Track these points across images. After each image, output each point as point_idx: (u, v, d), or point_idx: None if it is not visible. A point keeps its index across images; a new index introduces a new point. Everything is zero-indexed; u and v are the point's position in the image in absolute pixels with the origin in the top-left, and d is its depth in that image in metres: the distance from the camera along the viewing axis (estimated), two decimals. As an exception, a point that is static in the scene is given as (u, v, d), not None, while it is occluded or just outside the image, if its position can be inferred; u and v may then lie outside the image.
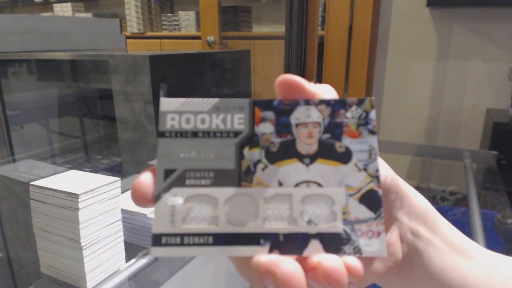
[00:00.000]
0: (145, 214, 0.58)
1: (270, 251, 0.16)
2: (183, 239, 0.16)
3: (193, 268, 0.65)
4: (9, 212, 0.72)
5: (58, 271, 0.52)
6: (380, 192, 0.17)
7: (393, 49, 2.06)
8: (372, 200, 0.17)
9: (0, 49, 0.97)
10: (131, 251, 0.58)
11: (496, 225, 0.83)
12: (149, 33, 2.67)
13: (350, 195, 0.17)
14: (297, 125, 0.18)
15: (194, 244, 0.16)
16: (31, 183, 0.51)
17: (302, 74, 1.40)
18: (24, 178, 0.80)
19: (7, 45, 0.99)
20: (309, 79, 0.19)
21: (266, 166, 0.17)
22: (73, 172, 0.55)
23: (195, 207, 0.17)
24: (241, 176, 0.17)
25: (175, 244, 0.16)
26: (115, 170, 1.04)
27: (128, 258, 0.57)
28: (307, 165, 0.17)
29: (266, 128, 0.17)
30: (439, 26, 1.93)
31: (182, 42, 2.50)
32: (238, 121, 0.17)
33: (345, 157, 0.17)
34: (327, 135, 0.18)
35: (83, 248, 0.49)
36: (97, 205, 0.50)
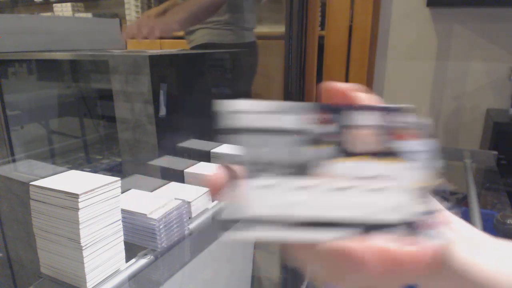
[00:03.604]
0: (145, 214, 0.58)
1: (343, 237, 0.18)
2: (262, 224, 0.18)
3: (193, 268, 0.65)
4: (9, 212, 0.72)
5: (58, 271, 0.52)
6: (437, 187, 0.19)
7: (393, 49, 2.06)
8: (431, 194, 0.19)
9: (0, 49, 0.97)
10: (131, 251, 0.58)
11: (496, 225, 0.83)
12: (149, 33, 2.66)
13: (412, 189, 0.19)
14: (358, 126, 0.19)
15: (274, 229, 0.18)
16: (31, 183, 0.51)
17: (302, 74, 1.40)
18: (24, 178, 0.79)
19: (7, 45, 0.99)
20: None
21: (333, 161, 0.19)
22: (73, 172, 0.55)
23: (273, 195, 0.18)
24: (312, 169, 0.19)
25: (257, 229, 0.18)
26: (115, 170, 1.04)
27: (128, 258, 0.56)
28: (369, 161, 0.19)
29: (331, 128, 0.19)
30: (439, 26, 1.93)
31: (182, 42, 2.50)
32: (306, 121, 0.19)
33: (403, 155, 0.19)
34: (385, 137, 0.19)
35: (83, 248, 0.49)
36: (97, 205, 0.50)
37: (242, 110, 0.19)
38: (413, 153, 0.19)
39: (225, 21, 1.50)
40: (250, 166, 0.19)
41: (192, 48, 1.53)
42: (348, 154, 0.19)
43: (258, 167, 0.19)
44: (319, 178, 0.19)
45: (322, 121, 0.19)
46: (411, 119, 0.20)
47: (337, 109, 0.20)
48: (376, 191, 0.19)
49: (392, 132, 0.19)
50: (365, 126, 0.19)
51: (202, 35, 1.50)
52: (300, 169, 0.19)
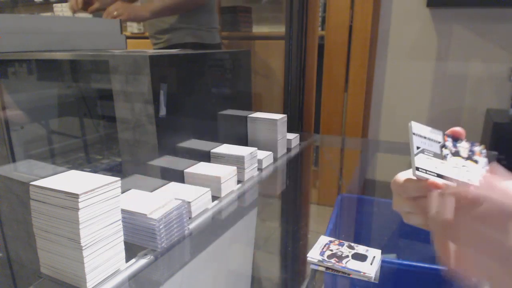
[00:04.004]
0: (145, 214, 0.58)
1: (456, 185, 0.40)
2: (427, 172, 0.39)
3: (193, 268, 0.65)
4: (9, 212, 0.72)
5: (58, 271, 0.52)
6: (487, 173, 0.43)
7: (393, 49, 2.06)
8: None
9: (0, 49, 0.97)
10: (131, 251, 0.58)
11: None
12: (149, 33, 2.66)
13: (480, 173, 0.42)
14: (460, 145, 0.44)
15: (429, 176, 0.39)
16: (31, 183, 0.51)
17: (302, 74, 1.40)
18: (24, 178, 0.80)
19: (7, 45, 0.99)
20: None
21: (450, 156, 0.42)
22: (73, 172, 0.55)
23: (430, 162, 0.40)
24: (442, 157, 0.42)
25: (424, 174, 0.39)
26: (115, 170, 1.04)
27: (128, 258, 0.57)
28: (465, 160, 0.43)
29: (449, 144, 0.43)
30: (439, 26, 1.93)
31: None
32: (442, 138, 0.43)
33: (477, 162, 0.43)
34: (469, 153, 0.43)
35: (83, 248, 0.49)
36: (97, 205, 0.50)
37: (418, 127, 0.42)
38: (479, 161, 0.43)
39: (206, 23, 1.58)
40: (421, 149, 0.41)
41: (168, 48, 1.58)
42: (456, 155, 0.42)
43: (424, 150, 0.41)
44: (447, 161, 0.41)
45: (447, 140, 0.43)
46: (480, 148, 0.44)
47: (454, 137, 0.44)
48: (467, 171, 0.41)
49: (473, 151, 0.43)
50: (463, 147, 0.44)
51: (182, 36, 1.55)
52: (440, 156, 0.41)
